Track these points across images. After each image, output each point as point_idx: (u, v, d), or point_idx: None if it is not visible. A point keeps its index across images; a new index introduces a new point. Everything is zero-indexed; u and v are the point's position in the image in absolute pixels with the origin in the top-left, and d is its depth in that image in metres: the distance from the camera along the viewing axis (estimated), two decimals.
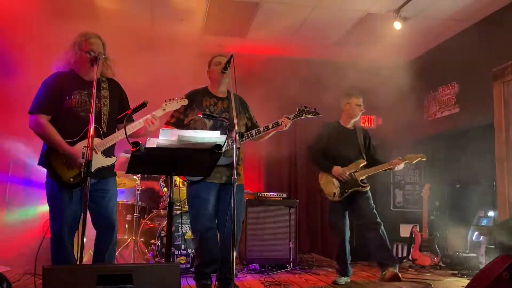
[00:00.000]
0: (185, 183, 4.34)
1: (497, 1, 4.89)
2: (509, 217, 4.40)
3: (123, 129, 2.63)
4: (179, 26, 5.20)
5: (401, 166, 4.03)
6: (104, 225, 2.92)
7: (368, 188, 4.06)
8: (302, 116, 3.36)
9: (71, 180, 2.77)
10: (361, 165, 4.08)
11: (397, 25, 5.22)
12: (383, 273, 3.85)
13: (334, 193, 4.04)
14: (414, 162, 4.14)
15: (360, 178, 4.04)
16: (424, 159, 4.13)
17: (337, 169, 4.04)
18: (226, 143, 2.95)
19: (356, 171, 4.05)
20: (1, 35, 4.73)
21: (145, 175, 4.91)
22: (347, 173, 4.01)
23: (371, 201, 4.07)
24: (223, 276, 3.30)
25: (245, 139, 3.30)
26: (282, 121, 3.26)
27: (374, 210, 4.03)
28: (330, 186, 4.08)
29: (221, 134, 2.58)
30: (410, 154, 4.08)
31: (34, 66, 4.21)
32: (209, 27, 5.62)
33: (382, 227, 3.94)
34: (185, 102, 3.10)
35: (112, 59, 3.02)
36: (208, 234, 3.32)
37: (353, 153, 4.13)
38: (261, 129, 3.30)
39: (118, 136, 2.88)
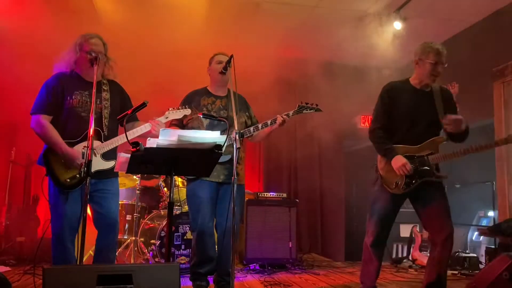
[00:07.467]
0: (185, 183, 4.35)
1: (496, 1, 4.89)
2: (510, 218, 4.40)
3: (124, 134, 2.63)
4: (179, 26, 5.20)
5: None
6: (105, 225, 2.92)
7: (444, 179, 2.94)
8: (302, 112, 3.20)
9: (68, 180, 2.77)
10: (439, 144, 2.96)
11: (397, 25, 5.22)
12: None
13: (396, 183, 2.92)
14: None
15: (436, 163, 2.94)
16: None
17: (399, 160, 2.88)
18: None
19: (431, 153, 2.93)
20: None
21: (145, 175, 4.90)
22: (409, 166, 2.86)
23: (446, 198, 2.93)
24: (220, 278, 3.26)
25: (245, 135, 3.24)
26: (277, 119, 3.14)
27: (449, 212, 2.89)
28: (392, 173, 2.93)
29: (219, 132, 2.58)
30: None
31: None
32: (209, 27, 5.62)
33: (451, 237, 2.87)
34: (188, 111, 3.11)
35: (113, 60, 3.02)
36: (205, 233, 3.24)
37: (427, 126, 2.97)
38: (260, 125, 3.22)
39: (119, 140, 2.88)
